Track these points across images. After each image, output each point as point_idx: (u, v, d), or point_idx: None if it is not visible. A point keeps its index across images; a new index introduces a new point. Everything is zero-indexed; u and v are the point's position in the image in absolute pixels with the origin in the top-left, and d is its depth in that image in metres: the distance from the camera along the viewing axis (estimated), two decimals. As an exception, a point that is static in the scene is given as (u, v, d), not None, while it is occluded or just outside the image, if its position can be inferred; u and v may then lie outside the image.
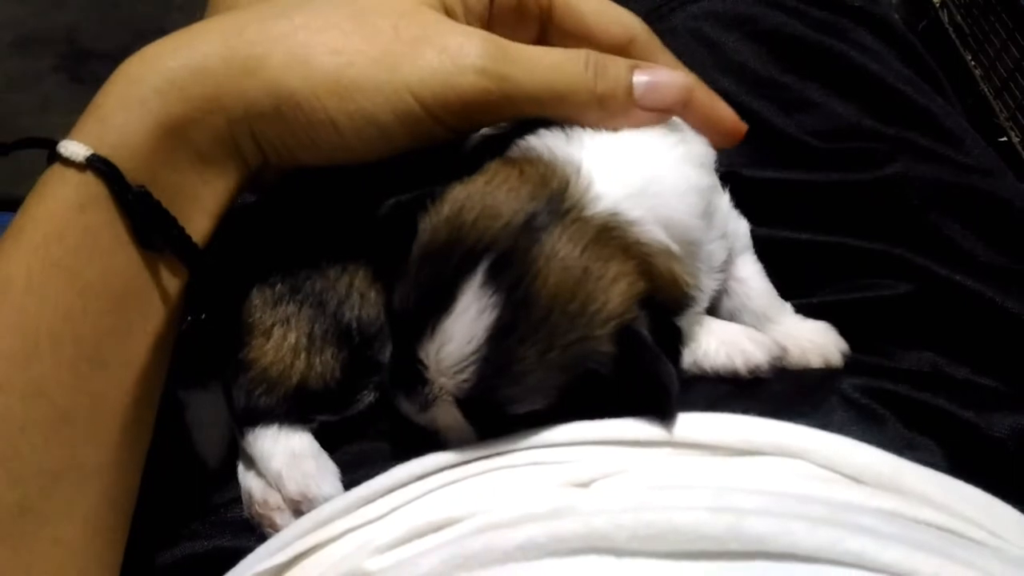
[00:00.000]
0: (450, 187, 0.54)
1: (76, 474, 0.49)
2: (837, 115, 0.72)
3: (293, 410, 0.61)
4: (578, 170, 0.53)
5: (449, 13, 0.55)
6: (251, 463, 0.62)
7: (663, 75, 0.56)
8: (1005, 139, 1.73)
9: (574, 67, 0.53)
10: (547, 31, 0.59)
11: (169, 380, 0.66)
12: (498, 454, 0.52)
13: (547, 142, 0.55)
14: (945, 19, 1.91)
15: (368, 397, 0.63)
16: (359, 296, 0.61)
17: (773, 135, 0.71)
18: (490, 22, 0.58)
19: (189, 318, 0.61)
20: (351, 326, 0.61)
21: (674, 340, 0.54)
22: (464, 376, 0.51)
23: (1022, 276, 0.67)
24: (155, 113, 0.50)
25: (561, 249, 0.50)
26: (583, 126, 0.56)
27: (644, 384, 0.51)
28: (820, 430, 0.50)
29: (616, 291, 0.51)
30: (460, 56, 0.51)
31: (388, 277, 0.58)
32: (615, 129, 0.56)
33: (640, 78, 0.54)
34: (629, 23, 0.59)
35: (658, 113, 0.56)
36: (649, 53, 0.59)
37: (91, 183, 0.48)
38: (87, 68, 2.05)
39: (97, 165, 0.48)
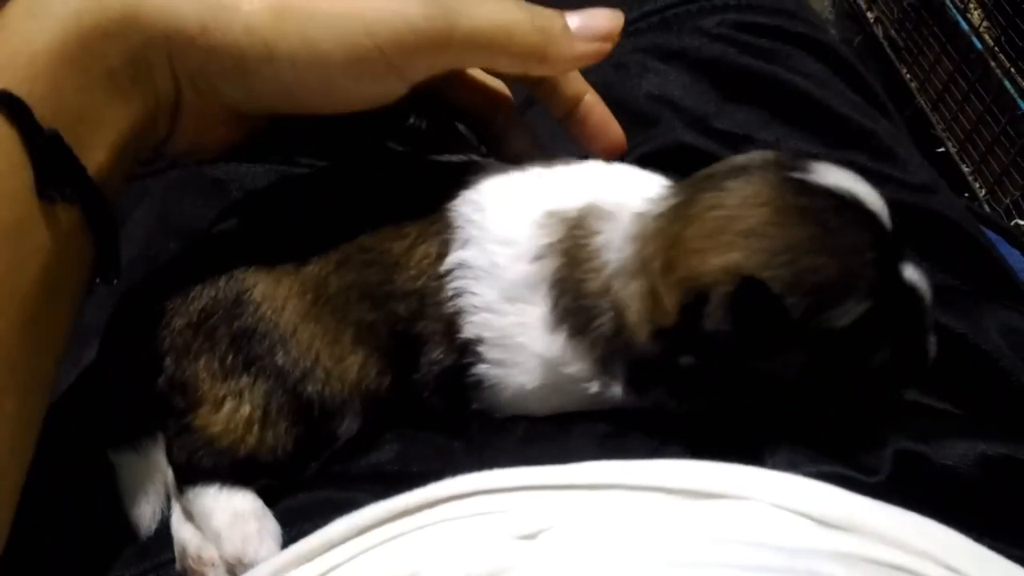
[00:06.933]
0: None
1: None
2: (784, 144, 0.71)
3: (236, 474, 0.58)
4: None
5: None
6: (187, 516, 0.59)
7: (589, 12, 0.58)
8: (943, 149, 1.77)
9: (512, 4, 0.56)
10: None
11: (98, 439, 0.63)
12: (440, 502, 0.50)
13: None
14: (880, 34, 1.96)
15: (316, 466, 0.61)
16: (324, 373, 0.59)
17: None
18: None
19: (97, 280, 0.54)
20: (312, 400, 0.59)
21: None
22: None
23: (963, 293, 0.66)
24: (65, 23, 0.45)
25: None
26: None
27: None
28: (766, 469, 0.49)
29: None
30: None
31: None
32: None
33: (572, 18, 0.57)
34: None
35: (598, 44, 0.58)
36: None
37: None
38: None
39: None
